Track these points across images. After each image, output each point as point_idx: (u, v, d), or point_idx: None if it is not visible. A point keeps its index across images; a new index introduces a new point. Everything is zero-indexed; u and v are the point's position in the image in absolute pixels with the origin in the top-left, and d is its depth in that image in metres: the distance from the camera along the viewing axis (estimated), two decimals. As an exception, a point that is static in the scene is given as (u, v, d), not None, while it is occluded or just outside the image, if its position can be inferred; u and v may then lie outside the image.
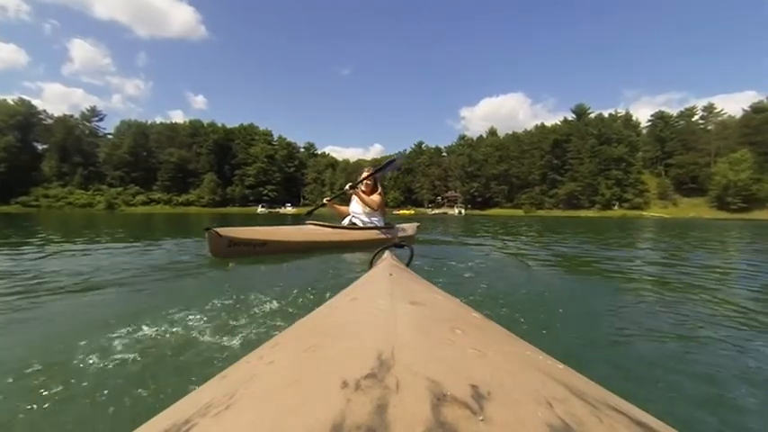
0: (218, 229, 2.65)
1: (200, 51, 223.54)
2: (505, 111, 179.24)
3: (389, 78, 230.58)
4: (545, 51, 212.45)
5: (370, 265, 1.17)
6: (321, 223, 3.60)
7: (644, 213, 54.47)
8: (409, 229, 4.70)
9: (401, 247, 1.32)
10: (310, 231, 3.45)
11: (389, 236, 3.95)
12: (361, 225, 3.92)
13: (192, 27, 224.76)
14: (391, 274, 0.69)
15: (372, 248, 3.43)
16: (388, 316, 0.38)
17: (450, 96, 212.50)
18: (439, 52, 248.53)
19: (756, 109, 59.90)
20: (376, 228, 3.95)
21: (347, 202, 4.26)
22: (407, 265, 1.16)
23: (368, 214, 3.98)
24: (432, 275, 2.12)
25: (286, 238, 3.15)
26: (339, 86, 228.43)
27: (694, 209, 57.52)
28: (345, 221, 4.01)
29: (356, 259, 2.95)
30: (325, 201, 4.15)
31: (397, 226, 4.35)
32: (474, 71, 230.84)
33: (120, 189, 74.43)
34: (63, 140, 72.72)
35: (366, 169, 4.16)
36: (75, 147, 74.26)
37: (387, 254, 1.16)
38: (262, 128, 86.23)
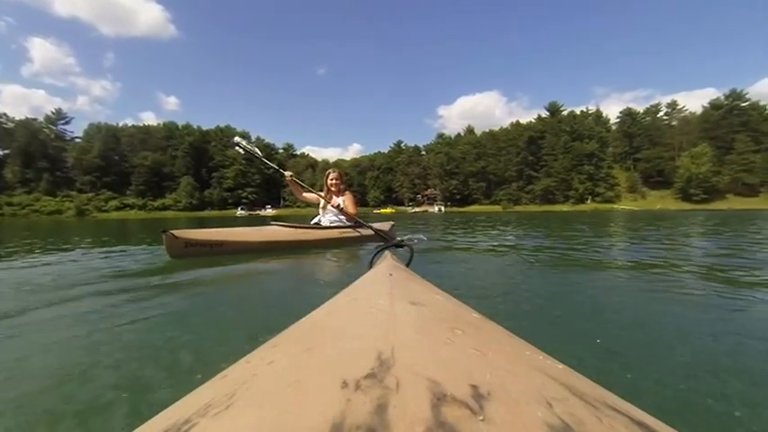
0: (174, 231, 2.82)
1: (170, 51, 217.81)
2: (482, 109, 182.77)
3: (366, 78, 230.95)
4: (518, 50, 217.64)
5: (370, 265, 1.17)
6: (284, 224, 3.62)
7: (615, 207, 56.72)
8: (382, 227, 4.40)
9: (401, 247, 1.33)
10: (271, 231, 3.49)
11: (356, 235, 3.94)
12: (327, 224, 3.91)
13: (161, 26, 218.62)
14: (391, 275, 0.69)
15: (338, 248, 3.62)
16: (388, 316, 0.38)
17: (428, 95, 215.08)
18: (415, 52, 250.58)
19: (714, 105, 63.52)
20: (342, 227, 3.90)
21: (305, 189, 4.13)
22: (407, 265, 1.16)
23: (336, 213, 3.96)
24: (431, 275, 2.22)
25: (244, 239, 3.24)
26: (316, 86, 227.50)
27: (661, 201, 60.39)
28: (314, 221, 4.01)
29: (329, 259, 3.03)
30: (287, 174, 3.87)
31: (368, 225, 4.21)
32: (450, 70, 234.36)
33: (90, 195, 71.58)
34: (26, 145, 69.25)
35: (332, 170, 4.15)
36: (39, 151, 70.83)
37: (387, 254, 1.17)
38: (239, 129, 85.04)
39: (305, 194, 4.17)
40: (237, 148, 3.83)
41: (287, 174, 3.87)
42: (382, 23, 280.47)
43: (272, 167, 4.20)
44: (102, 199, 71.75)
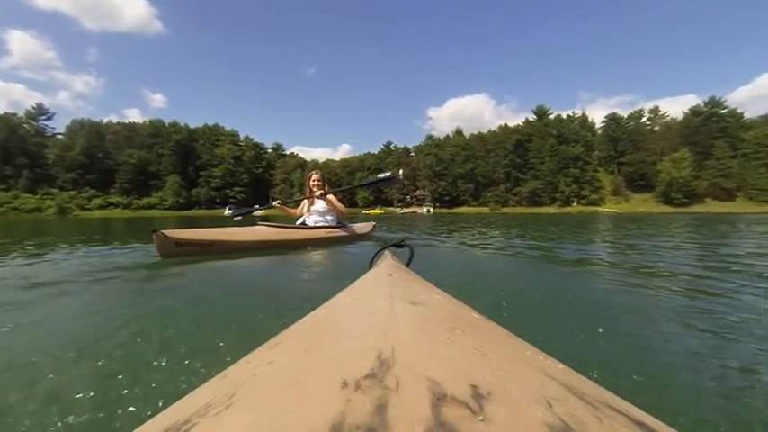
0: (165, 231, 2.86)
1: (156, 47, 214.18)
2: (471, 111, 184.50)
3: (356, 78, 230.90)
4: (507, 54, 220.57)
5: (370, 265, 1.17)
6: (271, 224, 3.73)
7: (599, 209, 57.94)
8: (364, 228, 4.73)
9: (401, 247, 1.33)
10: (260, 231, 3.59)
11: (342, 234, 4.12)
12: (312, 225, 4.03)
13: (147, 21, 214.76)
14: (391, 275, 0.69)
15: (325, 247, 3.73)
16: (388, 316, 0.38)
17: (417, 97, 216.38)
18: (405, 53, 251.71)
19: (695, 112, 65.48)
20: (327, 227, 4.05)
21: (298, 205, 4.39)
22: (407, 265, 1.16)
23: (322, 213, 4.11)
24: (431, 275, 2.28)
25: (234, 239, 3.31)
26: (306, 86, 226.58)
27: (643, 204, 61.94)
28: (299, 222, 4.11)
29: (325, 259, 3.11)
30: (275, 204, 4.21)
31: (351, 225, 4.41)
32: (440, 72, 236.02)
33: (73, 193, 69.65)
34: (5, 141, 66.96)
35: (315, 171, 4.27)
36: (19, 147, 68.63)
37: (387, 254, 1.18)
38: (227, 128, 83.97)
39: (296, 212, 4.38)
40: (235, 218, 4.34)
41: (275, 203, 4.25)
42: (373, 25, 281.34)
43: (261, 209, 4.64)
44: (84, 197, 69.91)
